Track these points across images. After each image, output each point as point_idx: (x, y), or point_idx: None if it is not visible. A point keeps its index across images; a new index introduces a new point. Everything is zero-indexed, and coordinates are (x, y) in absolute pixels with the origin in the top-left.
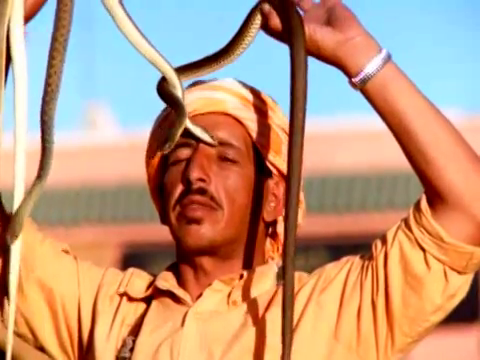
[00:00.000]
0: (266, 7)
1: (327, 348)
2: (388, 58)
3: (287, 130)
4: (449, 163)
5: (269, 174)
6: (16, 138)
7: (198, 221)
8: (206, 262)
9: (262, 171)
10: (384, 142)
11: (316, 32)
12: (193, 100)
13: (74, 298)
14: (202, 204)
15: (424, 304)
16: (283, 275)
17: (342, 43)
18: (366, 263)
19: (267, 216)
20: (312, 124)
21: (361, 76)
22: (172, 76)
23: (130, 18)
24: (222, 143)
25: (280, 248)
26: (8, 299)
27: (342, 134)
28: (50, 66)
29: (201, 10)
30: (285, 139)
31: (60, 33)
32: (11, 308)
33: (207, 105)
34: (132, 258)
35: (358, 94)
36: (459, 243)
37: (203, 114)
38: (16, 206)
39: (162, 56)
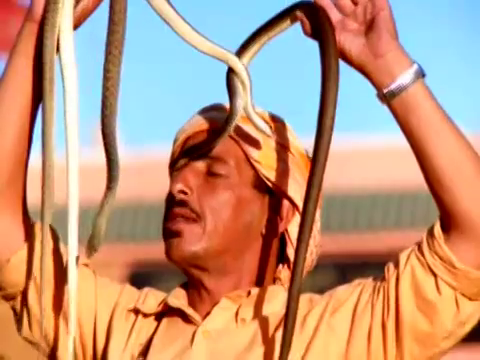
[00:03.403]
0: (298, 13)
1: None
2: (418, 76)
3: (289, 145)
4: (466, 191)
5: (269, 191)
6: (68, 150)
7: (178, 233)
8: (203, 278)
9: (263, 188)
10: (393, 161)
11: (345, 44)
12: (188, 125)
13: (91, 313)
14: (182, 216)
15: (435, 329)
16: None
17: (371, 59)
18: (378, 285)
19: (266, 232)
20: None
21: (387, 91)
22: (235, 64)
23: (182, 17)
24: (211, 158)
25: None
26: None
27: (349, 152)
28: (106, 79)
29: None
30: (284, 155)
31: (114, 46)
32: (72, 319)
33: (198, 126)
34: (139, 277)
35: (367, 113)
36: (470, 269)
37: (196, 133)
38: (72, 221)
39: (220, 47)
